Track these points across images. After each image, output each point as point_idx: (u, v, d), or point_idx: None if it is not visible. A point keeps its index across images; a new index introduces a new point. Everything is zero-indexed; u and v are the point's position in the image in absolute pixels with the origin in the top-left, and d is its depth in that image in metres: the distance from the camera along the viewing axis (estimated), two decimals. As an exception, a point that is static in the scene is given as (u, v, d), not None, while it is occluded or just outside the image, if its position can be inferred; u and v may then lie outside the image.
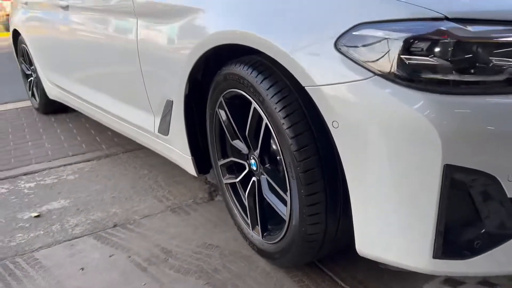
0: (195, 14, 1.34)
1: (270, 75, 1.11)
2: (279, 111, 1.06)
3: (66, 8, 2.29)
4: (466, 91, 0.84)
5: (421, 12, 0.86)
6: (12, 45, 3.68)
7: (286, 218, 1.17)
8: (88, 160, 2.43)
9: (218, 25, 1.23)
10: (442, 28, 0.84)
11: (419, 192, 0.88)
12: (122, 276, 1.37)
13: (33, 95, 3.60)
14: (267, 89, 1.10)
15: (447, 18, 0.84)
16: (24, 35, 3.19)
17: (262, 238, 1.34)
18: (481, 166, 0.84)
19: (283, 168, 1.12)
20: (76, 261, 1.47)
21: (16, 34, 3.46)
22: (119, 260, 1.46)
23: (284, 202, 1.21)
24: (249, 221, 1.40)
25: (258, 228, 1.36)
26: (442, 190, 0.85)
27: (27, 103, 3.82)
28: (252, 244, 1.41)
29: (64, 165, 2.38)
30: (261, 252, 1.37)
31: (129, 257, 1.47)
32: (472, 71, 0.84)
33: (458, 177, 0.85)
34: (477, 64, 0.83)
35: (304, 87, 1.00)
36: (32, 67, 3.39)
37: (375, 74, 0.89)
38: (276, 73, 1.10)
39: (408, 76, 0.86)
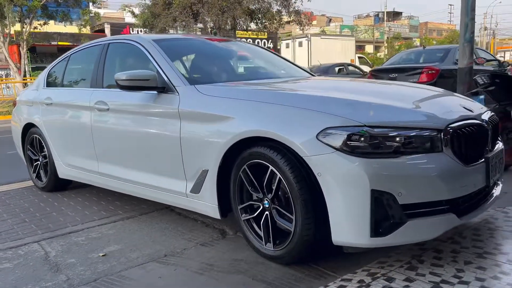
0: (229, 119, 2.36)
1: (281, 152, 2.14)
2: (288, 170, 2.08)
3: (104, 110, 3.20)
4: (376, 156, 1.92)
5: (354, 122, 1.96)
6: (17, 134, 4.42)
7: (292, 229, 2.14)
8: (115, 222, 3.20)
9: (247, 126, 2.26)
10: (363, 129, 1.94)
11: (361, 203, 1.90)
12: (189, 276, 2.20)
13: (38, 176, 4.29)
14: (280, 159, 2.12)
15: (365, 125, 1.95)
16: (42, 128, 3.97)
17: (273, 247, 2.27)
18: (385, 188, 1.89)
19: (290, 201, 2.11)
20: (153, 274, 2.27)
21: (28, 127, 4.23)
22: (181, 271, 2.28)
23: (289, 221, 2.17)
24: (262, 241, 2.33)
25: (271, 243, 2.29)
26: (371, 201, 1.89)
27: (24, 184, 4.47)
28: (265, 255, 2.33)
29: (98, 225, 3.12)
30: (272, 258, 2.29)
31: (187, 269, 2.31)
32: (375, 148, 1.93)
33: (377, 194, 1.89)
34: (377, 144, 1.93)
35: (302, 157, 2.03)
36: (44, 153, 4.13)
37: (335, 149, 1.95)
38: (284, 151, 2.13)
39: (350, 150, 1.93)
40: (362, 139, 1.93)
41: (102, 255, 2.56)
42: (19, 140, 4.43)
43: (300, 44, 27.01)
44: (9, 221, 3.33)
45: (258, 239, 2.39)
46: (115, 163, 3.23)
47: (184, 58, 3.29)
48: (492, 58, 9.01)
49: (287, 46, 28.63)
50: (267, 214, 2.32)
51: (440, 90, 2.79)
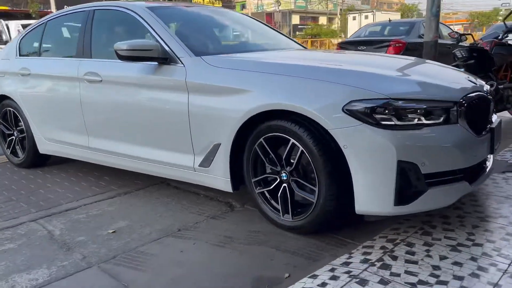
0: (245, 92, 2.33)
1: (303, 125, 2.15)
2: (312, 143, 2.10)
3: (96, 82, 3.04)
4: (400, 128, 1.98)
5: (379, 95, 2.00)
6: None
7: (314, 200, 2.18)
8: (112, 197, 3.11)
9: (268, 99, 2.24)
10: (388, 102, 1.99)
11: (387, 174, 1.97)
12: (210, 249, 2.21)
13: (13, 152, 4.05)
14: (303, 132, 2.14)
15: (390, 98, 2.00)
16: (18, 100, 3.73)
17: (292, 218, 2.32)
18: (410, 159, 1.97)
19: (314, 173, 2.14)
20: (172, 249, 2.25)
21: (1, 99, 3.96)
22: (201, 244, 2.28)
23: (311, 192, 2.21)
24: (280, 212, 2.37)
25: (288, 214, 2.33)
26: (397, 171, 1.96)
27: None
28: (282, 226, 2.37)
29: (96, 202, 3.03)
30: (290, 228, 2.34)
31: (206, 242, 2.31)
32: (399, 120, 2.00)
33: (402, 164, 1.97)
34: (402, 117, 1.99)
35: (327, 130, 2.06)
36: (20, 127, 3.89)
37: (362, 122, 1.99)
38: (306, 124, 2.15)
39: (376, 122, 1.98)
40: (388, 111, 1.98)
41: (112, 232, 2.50)
42: (-11, 113, 4.14)
43: (366, 17, 32.64)
44: (-7, 200, 3.15)
45: (274, 211, 2.42)
46: (110, 137, 3.11)
47: (182, 27, 3.17)
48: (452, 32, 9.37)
49: (354, 18, 34.70)
50: (285, 186, 2.34)
51: (441, 64, 2.89)
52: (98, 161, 3.31)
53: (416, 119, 2.01)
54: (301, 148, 2.18)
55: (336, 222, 2.31)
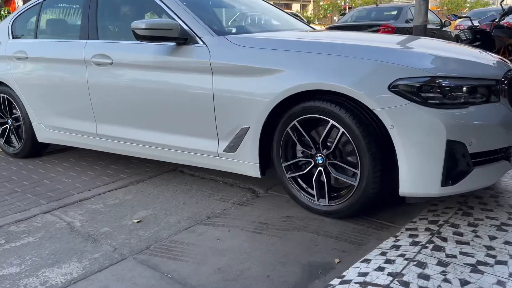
0: (277, 72, 2.23)
1: (343, 105, 2.07)
2: (355, 124, 2.03)
3: (106, 64, 2.87)
4: (448, 107, 1.94)
5: (426, 73, 1.94)
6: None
7: (355, 184, 2.12)
8: (125, 186, 2.97)
9: (304, 79, 2.15)
10: (435, 79, 1.93)
11: (435, 154, 1.93)
12: (248, 236, 2.12)
13: (7, 142, 3.82)
14: (345, 113, 2.06)
15: (437, 76, 1.94)
16: (14, 86, 3.50)
17: (328, 202, 2.25)
18: (458, 138, 1.93)
19: (355, 154, 2.07)
20: (208, 237, 2.15)
21: (-9, 85, 3.71)
22: (237, 231, 2.19)
23: (352, 176, 2.15)
24: (314, 197, 2.30)
25: (324, 198, 2.26)
26: (446, 151, 1.92)
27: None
28: (317, 211, 2.30)
29: (109, 191, 2.88)
30: (326, 213, 2.27)
31: (242, 229, 2.22)
32: (447, 98, 1.95)
33: (451, 144, 1.92)
34: (449, 95, 1.94)
35: (372, 109, 1.99)
36: (15, 115, 3.66)
37: (409, 101, 1.93)
38: (347, 104, 2.07)
39: (423, 101, 1.93)
40: (435, 89, 1.93)
41: (137, 222, 2.38)
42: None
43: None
44: (-4, 192, 2.95)
45: (307, 196, 2.35)
46: (122, 123, 2.95)
47: (197, 6, 3.01)
48: (437, 17, 9.47)
49: None
50: (320, 170, 2.27)
51: (462, 44, 2.86)
52: (106, 148, 3.15)
53: (463, 98, 1.97)
54: (341, 129, 2.11)
55: (374, 205, 2.26)
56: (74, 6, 3.34)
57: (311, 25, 3.67)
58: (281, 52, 2.28)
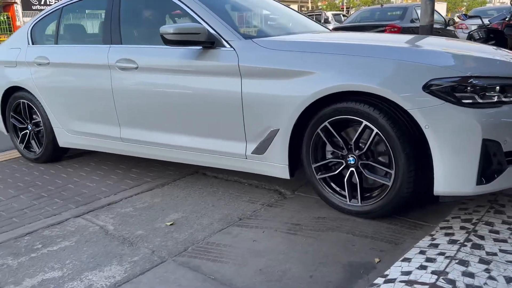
0: (309, 74, 2.26)
1: (377, 106, 2.10)
2: (389, 124, 2.06)
3: (131, 69, 2.89)
4: (482, 106, 1.96)
5: (460, 73, 1.97)
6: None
7: (389, 184, 2.14)
8: (151, 189, 2.99)
9: (337, 80, 2.17)
10: (469, 79, 1.96)
11: (471, 153, 1.95)
12: (285, 239, 2.14)
13: (27, 147, 3.83)
14: (379, 114, 2.09)
15: (471, 76, 1.97)
16: (35, 91, 3.52)
17: (361, 203, 2.27)
18: (494, 136, 1.95)
19: (389, 155, 2.10)
20: (243, 238, 2.17)
21: (10, 91, 3.73)
22: (271, 232, 2.21)
23: (385, 176, 2.17)
24: (346, 198, 2.32)
25: (356, 198, 2.29)
26: (481, 150, 1.94)
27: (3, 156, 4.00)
28: (349, 211, 2.33)
29: (136, 194, 2.90)
30: (358, 213, 2.30)
31: (275, 230, 2.24)
32: (481, 98, 1.97)
33: (486, 143, 1.95)
34: (483, 94, 1.97)
35: (407, 110, 2.01)
36: (35, 120, 3.69)
37: (444, 101, 1.96)
38: (380, 105, 2.10)
39: (457, 101, 1.95)
40: (469, 89, 1.96)
41: (170, 224, 2.40)
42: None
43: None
44: (22, 197, 2.97)
45: (338, 196, 2.37)
46: (147, 127, 2.97)
47: (220, 10, 3.04)
48: (441, 17, 9.52)
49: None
50: (352, 170, 2.29)
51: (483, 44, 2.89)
52: (130, 152, 3.17)
53: (496, 97, 1.99)
54: (375, 130, 2.13)
55: (407, 204, 2.28)
56: (95, 12, 3.36)
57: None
58: (311, 54, 2.31)
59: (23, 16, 25.33)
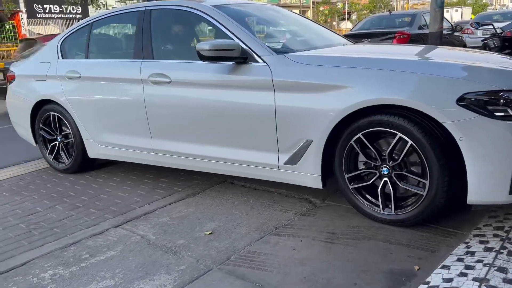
0: (343, 88, 2.35)
1: (411, 119, 2.19)
2: (424, 136, 2.15)
3: (164, 83, 2.99)
4: (514, 120, 2.06)
5: (493, 87, 2.06)
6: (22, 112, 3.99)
7: (424, 193, 2.23)
8: (183, 198, 3.08)
9: (371, 94, 2.27)
10: (501, 93, 2.05)
11: (503, 163, 2.04)
12: (324, 248, 2.23)
13: (55, 158, 3.94)
14: (413, 126, 2.18)
15: (503, 90, 2.06)
16: (66, 105, 3.62)
17: (394, 212, 2.36)
18: (525, 146, 2.05)
19: (425, 166, 2.19)
20: (283, 247, 2.26)
21: (41, 104, 3.84)
22: (309, 241, 2.30)
23: (420, 186, 2.26)
24: (379, 207, 2.41)
25: (389, 207, 2.38)
26: (515, 160, 2.04)
27: (32, 167, 4.10)
28: (383, 220, 2.42)
29: (169, 204, 2.99)
30: (392, 222, 2.39)
31: (313, 239, 2.33)
32: (512, 111, 2.07)
33: (520, 153, 2.04)
34: (514, 108, 2.06)
35: (441, 123, 2.11)
36: (65, 132, 3.79)
37: (478, 114, 2.05)
38: (414, 118, 2.19)
39: (490, 114, 2.05)
40: (502, 102, 2.05)
41: (209, 233, 2.49)
42: (27, 119, 4.00)
43: (457, 10, 36.09)
44: (59, 208, 3.07)
45: (371, 206, 2.46)
46: (179, 139, 3.07)
47: (250, 25, 3.15)
48: (448, 23, 9.62)
49: (447, 11, 37.19)
50: (385, 180, 2.38)
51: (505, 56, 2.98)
52: (161, 162, 3.26)
53: (527, 110, 2.09)
54: (410, 142, 2.22)
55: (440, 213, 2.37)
56: (126, 27, 3.47)
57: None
58: (345, 69, 2.40)
59: (28, 25, 25.60)
